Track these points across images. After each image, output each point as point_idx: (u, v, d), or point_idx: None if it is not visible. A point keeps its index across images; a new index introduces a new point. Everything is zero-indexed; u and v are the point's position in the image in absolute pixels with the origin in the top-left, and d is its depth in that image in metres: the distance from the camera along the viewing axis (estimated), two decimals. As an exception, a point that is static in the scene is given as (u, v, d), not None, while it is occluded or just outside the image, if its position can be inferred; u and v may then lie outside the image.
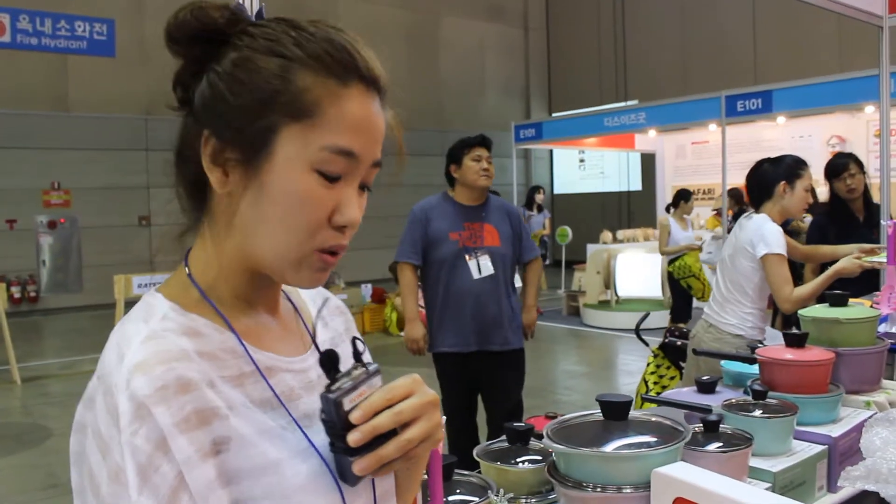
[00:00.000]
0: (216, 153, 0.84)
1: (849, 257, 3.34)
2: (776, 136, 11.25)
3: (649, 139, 12.73)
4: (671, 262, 8.78)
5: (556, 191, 19.95)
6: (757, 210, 3.53)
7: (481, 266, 3.80)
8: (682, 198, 9.03)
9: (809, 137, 10.87)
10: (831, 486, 1.69)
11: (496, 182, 4.21)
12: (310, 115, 0.82)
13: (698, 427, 1.54)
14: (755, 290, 3.44)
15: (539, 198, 12.16)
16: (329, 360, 0.83)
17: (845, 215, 4.19)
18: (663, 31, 17.01)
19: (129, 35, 11.93)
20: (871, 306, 2.58)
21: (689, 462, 1.28)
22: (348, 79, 0.84)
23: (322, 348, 0.92)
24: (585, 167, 19.00)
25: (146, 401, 0.74)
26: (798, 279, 4.34)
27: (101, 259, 12.29)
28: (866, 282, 3.14)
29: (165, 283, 0.91)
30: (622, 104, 14.66)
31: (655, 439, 1.30)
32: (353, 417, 0.80)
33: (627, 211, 16.86)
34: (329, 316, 1.08)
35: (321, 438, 0.85)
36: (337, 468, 0.85)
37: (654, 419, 1.38)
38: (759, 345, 2.31)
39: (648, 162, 15.21)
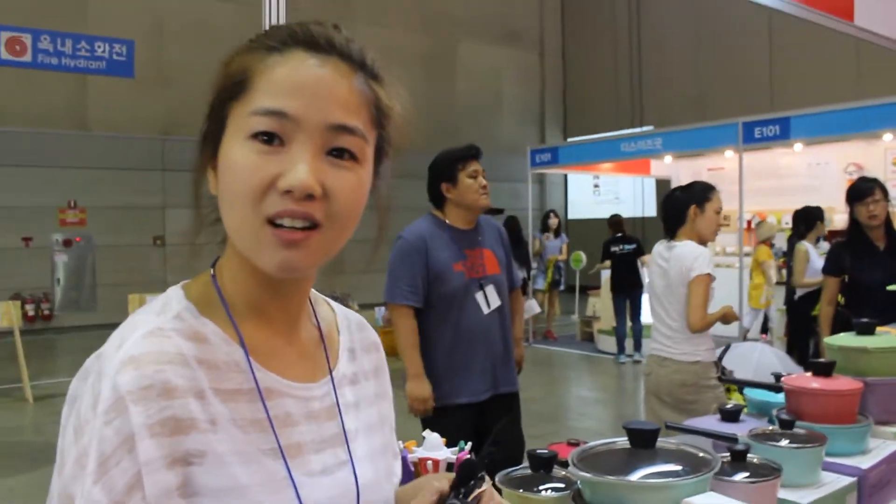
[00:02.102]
0: (205, 158, 0.87)
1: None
2: (793, 162, 11.21)
3: (664, 165, 12.71)
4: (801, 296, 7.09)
5: (571, 216, 19.93)
6: (673, 237, 3.68)
7: (489, 299, 3.28)
8: (818, 217, 7.48)
9: (826, 165, 10.83)
10: None
11: (512, 206, 4.00)
12: (244, 88, 0.82)
13: (725, 456, 1.50)
14: None
15: (553, 222, 12.13)
16: (467, 471, 0.82)
17: (863, 243, 4.12)
18: (679, 57, 17.04)
19: (149, 56, 12.07)
20: (898, 335, 2.54)
21: (717, 492, 1.25)
22: (283, 48, 0.83)
23: (337, 381, 0.96)
24: (600, 192, 18.99)
25: (127, 396, 0.74)
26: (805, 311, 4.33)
27: (115, 278, 12.33)
28: (890, 308, 3.09)
29: (193, 280, 0.91)
30: (638, 129, 14.66)
31: (684, 468, 1.26)
32: None
33: (642, 236, 16.83)
34: (361, 350, 1.05)
35: (302, 472, 0.85)
36: None
37: (681, 448, 1.35)
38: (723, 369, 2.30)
39: (663, 188, 15.18)
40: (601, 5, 19.03)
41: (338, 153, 0.82)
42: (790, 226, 8.09)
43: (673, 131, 11.11)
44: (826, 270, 4.36)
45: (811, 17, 3.10)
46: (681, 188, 3.82)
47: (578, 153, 12.90)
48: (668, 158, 11.77)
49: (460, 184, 3.22)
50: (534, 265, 11.49)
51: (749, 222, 10.76)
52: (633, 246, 9.72)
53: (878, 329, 2.36)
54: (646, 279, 8.67)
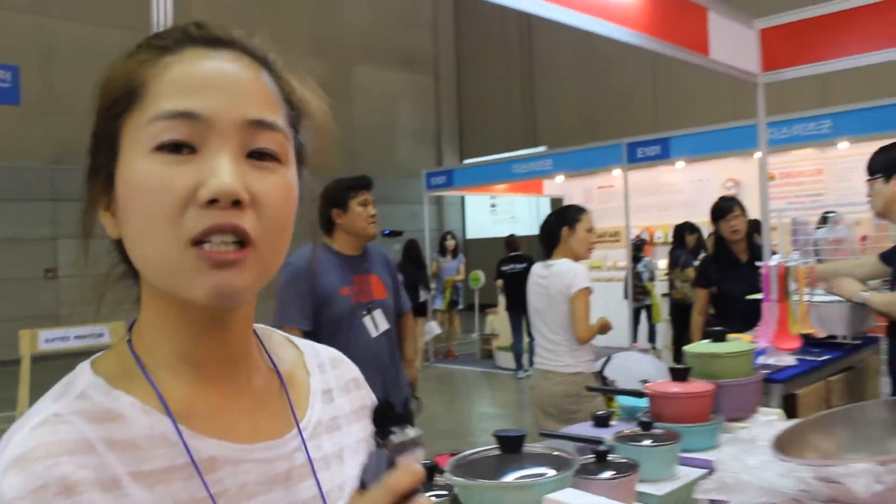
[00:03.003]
0: (92, 197, 0.74)
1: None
2: (676, 179, 11.81)
3: (557, 184, 13.15)
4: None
5: (469, 235, 20.23)
6: (549, 256, 3.97)
7: (377, 322, 3.32)
8: (687, 230, 8.59)
9: (707, 181, 11.42)
10: None
11: (410, 228, 4.14)
12: (138, 95, 0.69)
13: (591, 457, 1.66)
14: None
15: (450, 244, 12.36)
16: (384, 410, 0.66)
17: (728, 257, 4.45)
18: (570, 81, 17.65)
19: (36, 83, 11.68)
20: (752, 341, 2.81)
21: (580, 489, 1.40)
22: (176, 47, 0.71)
23: (307, 431, 0.81)
24: (497, 211, 19.38)
25: None
26: (687, 321, 4.68)
27: (5, 313, 11.82)
28: (752, 317, 3.38)
29: (105, 352, 0.77)
30: (532, 150, 15.10)
31: (548, 470, 1.41)
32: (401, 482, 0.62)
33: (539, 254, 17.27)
34: (338, 390, 0.90)
35: None
36: None
37: (547, 452, 1.50)
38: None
39: (558, 206, 15.67)
40: (494, 31, 19.51)
41: (258, 155, 0.70)
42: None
43: (562, 152, 11.58)
44: (697, 283, 4.72)
45: (672, 53, 3.37)
46: (555, 212, 4.14)
47: (473, 175, 13.21)
48: (559, 178, 12.20)
49: (350, 211, 3.30)
50: (433, 286, 11.66)
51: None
52: (524, 265, 10.03)
53: (732, 336, 2.62)
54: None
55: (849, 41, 4.03)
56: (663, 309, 9.56)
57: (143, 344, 0.74)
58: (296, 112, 0.78)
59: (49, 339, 6.88)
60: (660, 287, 10.03)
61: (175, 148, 0.67)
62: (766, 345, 2.90)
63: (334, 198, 3.31)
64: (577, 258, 3.91)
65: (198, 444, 0.71)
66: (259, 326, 0.85)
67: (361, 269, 3.36)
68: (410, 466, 0.62)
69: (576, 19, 2.80)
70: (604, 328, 3.82)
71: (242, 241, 0.67)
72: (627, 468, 1.65)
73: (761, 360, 2.86)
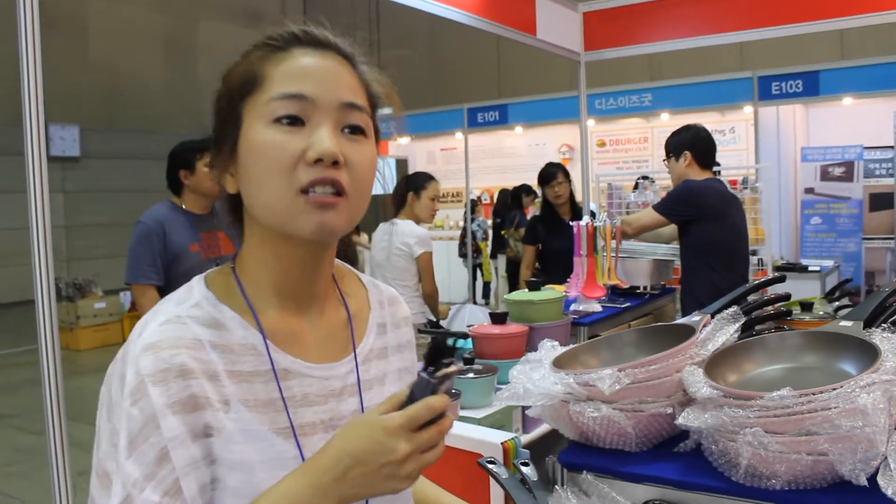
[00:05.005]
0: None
1: None
2: (515, 143, 12.32)
3: (402, 146, 13.42)
4: None
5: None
6: (396, 216, 4.35)
7: None
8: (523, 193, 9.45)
9: (544, 145, 11.98)
10: (526, 429, 2.13)
11: None
12: (259, 83, 0.90)
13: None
14: (414, 281, 4.26)
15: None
16: (439, 347, 0.83)
17: (552, 217, 4.88)
18: (417, 47, 17.84)
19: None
20: (564, 291, 3.22)
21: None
22: (286, 47, 0.93)
23: (361, 356, 1.00)
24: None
25: (147, 379, 0.80)
26: (517, 274, 5.13)
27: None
28: (571, 271, 3.79)
29: (215, 270, 0.98)
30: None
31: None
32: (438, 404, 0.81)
33: (380, 211, 17.50)
34: (391, 326, 1.10)
35: (314, 451, 0.84)
36: None
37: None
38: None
39: (402, 167, 15.95)
40: (341, -11, 19.37)
41: (351, 129, 0.90)
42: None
43: (407, 115, 11.82)
44: (525, 240, 5.16)
45: (502, 33, 3.69)
46: (406, 177, 4.45)
47: (321, 135, 13.21)
48: (404, 140, 12.48)
49: (197, 172, 3.35)
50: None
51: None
52: None
53: (548, 286, 3.01)
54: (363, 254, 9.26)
55: (664, 27, 4.51)
56: (499, 266, 10.07)
57: (244, 273, 0.95)
58: (374, 99, 0.98)
59: None
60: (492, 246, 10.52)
61: (289, 120, 0.87)
62: (576, 294, 3.31)
63: (181, 159, 3.38)
64: (418, 221, 4.27)
65: (278, 357, 0.91)
66: (337, 267, 1.06)
67: (209, 226, 3.42)
68: (445, 395, 0.82)
69: (411, 0, 3.03)
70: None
71: (339, 191, 0.88)
72: (450, 396, 1.95)
73: (572, 307, 3.26)
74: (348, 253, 1.14)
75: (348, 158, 0.88)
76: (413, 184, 4.33)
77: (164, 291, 3.31)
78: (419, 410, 0.79)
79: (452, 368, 0.83)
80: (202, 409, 0.82)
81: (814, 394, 1.00)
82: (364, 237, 12.96)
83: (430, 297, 4.29)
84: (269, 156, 0.87)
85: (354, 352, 1.00)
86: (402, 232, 4.21)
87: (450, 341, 0.86)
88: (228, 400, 0.85)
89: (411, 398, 0.81)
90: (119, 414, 0.81)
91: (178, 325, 0.86)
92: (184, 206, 3.41)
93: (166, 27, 16.32)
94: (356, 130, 0.91)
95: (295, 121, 0.87)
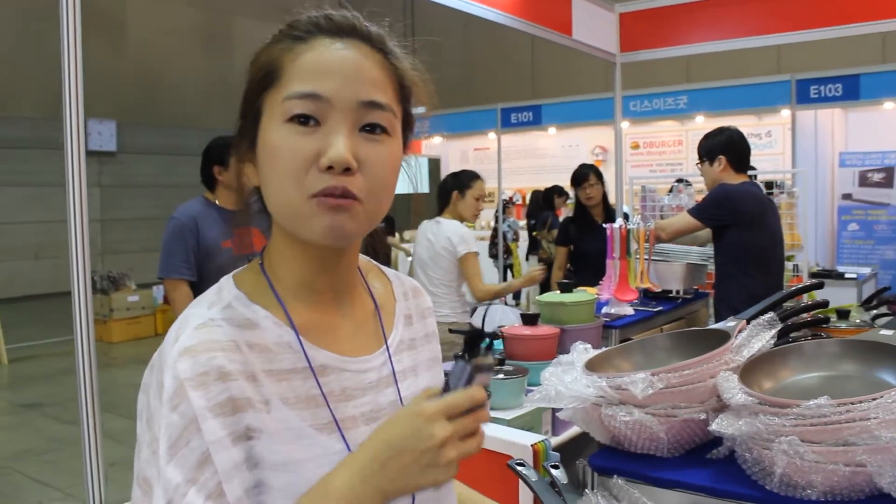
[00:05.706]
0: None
1: (536, 268, 4.35)
2: (548, 144, 12.29)
3: (435, 145, 13.44)
4: None
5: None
6: (440, 214, 4.27)
7: None
8: (555, 194, 9.25)
9: (577, 147, 11.95)
10: (556, 431, 2.14)
11: None
12: (277, 76, 0.87)
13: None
14: (458, 282, 4.17)
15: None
16: (477, 335, 0.81)
17: (585, 219, 4.87)
18: (450, 45, 17.85)
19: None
20: (596, 293, 3.20)
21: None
22: (308, 37, 0.88)
23: (392, 348, 0.99)
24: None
25: (186, 383, 0.79)
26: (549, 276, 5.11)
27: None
28: (604, 273, 3.77)
29: (244, 268, 0.97)
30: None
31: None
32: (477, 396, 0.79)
33: (412, 211, 17.55)
34: (417, 316, 1.09)
35: (358, 444, 0.84)
36: None
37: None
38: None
39: (435, 166, 15.97)
40: (376, -11, 19.42)
41: (370, 129, 0.86)
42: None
43: (440, 114, 11.84)
44: (557, 242, 5.15)
45: (538, 33, 3.69)
46: (452, 175, 4.37)
47: (353, 133, 13.27)
48: (437, 139, 12.50)
49: (231, 168, 3.32)
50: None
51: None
52: (382, 224, 10.16)
53: (580, 288, 2.99)
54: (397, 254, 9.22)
55: (701, 28, 4.47)
56: (527, 267, 10.03)
57: (272, 270, 0.94)
58: (405, 89, 0.95)
59: None
60: (524, 247, 10.50)
61: (303, 120, 0.84)
62: (609, 296, 3.29)
63: (215, 155, 3.38)
64: (462, 220, 4.20)
65: (314, 353, 0.90)
66: (361, 261, 1.04)
67: (242, 221, 3.38)
68: (482, 386, 0.79)
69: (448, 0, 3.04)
70: (531, 280, 4.37)
71: (352, 196, 0.85)
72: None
73: (604, 310, 3.24)
74: (377, 248, 1.12)
75: (365, 160, 0.85)
76: (458, 182, 4.25)
77: (196, 287, 3.36)
78: (457, 398, 0.77)
79: (490, 358, 0.81)
80: (243, 410, 0.81)
81: (852, 403, 0.98)
82: (396, 238, 13.05)
83: (479, 299, 4.18)
84: (282, 158, 0.85)
85: (386, 343, 0.99)
86: (446, 231, 4.13)
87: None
88: (269, 399, 0.84)
89: (447, 385, 0.80)
90: (158, 420, 0.80)
91: (213, 327, 0.84)
92: (217, 202, 3.43)
93: (203, 23, 16.48)
94: (376, 129, 0.87)
95: (308, 119, 0.84)
